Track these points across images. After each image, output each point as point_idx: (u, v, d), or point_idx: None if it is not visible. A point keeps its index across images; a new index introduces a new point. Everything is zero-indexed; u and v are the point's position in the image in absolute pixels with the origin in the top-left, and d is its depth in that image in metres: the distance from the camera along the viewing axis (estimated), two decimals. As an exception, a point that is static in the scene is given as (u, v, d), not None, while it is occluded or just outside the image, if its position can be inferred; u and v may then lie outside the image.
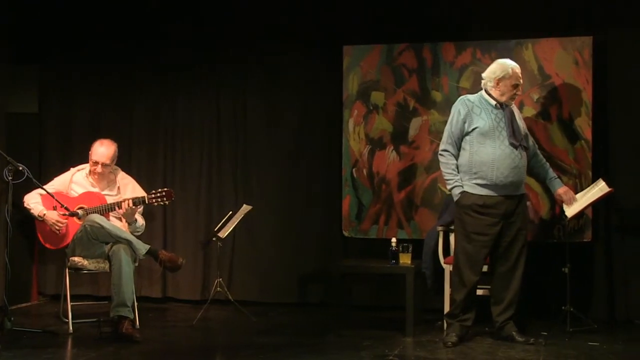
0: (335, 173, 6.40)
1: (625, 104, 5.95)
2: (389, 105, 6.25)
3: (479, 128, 5.05)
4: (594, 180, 5.84)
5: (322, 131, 6.51)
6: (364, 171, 6.29)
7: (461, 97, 5.28)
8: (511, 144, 5.02)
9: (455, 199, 5.14)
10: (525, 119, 5.90)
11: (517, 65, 5.17)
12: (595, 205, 5.66)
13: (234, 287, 6.47)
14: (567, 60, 5.93)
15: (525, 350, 4.89)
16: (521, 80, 5.15)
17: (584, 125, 5.90)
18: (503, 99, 5.10)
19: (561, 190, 5.35)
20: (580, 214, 5.61)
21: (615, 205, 5.92)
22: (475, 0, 6.19)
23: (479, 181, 5.06)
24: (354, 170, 6.31)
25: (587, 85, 5.90)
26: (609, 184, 5.51)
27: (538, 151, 5.40)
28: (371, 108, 6.29)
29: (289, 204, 6.56)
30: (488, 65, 5.46)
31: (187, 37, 6.74)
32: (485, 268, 5.25)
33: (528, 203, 5.82)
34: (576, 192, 5.76)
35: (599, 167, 5.93)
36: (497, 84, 5.11)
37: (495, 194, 5.05)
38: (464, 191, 5.09)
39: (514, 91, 5.11)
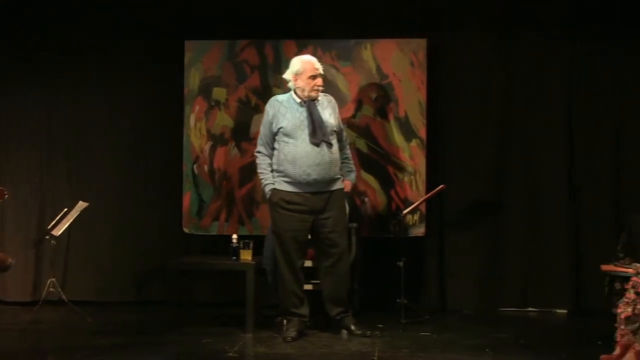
0: (175, 169, 6.31)
1: (456, 103, 6.25)
2: (231, 102, 6.23)
3: (283, 128, 5.11)
4: (427, 177, 6.09)
5: (163, 126, 6.40)
6: (205, 167, 6.24)
7: (272, 98, 5.34)
8: (312, 143, 5.07)
9: (267, 197, 5.21)
10: (364, 118, 6.08)
11: (312, 58, 5.22)
12: (428, 201, 5.91)
13: (69, 286, 6.25)
14: (403, 61, 6.14)
15: (361, 342, 5.02)
16: (319, 71, 5.15)
17: (418, 124, 6.13)
18: (305, 94, 5.14)
19: (347, 185, 5.34)
20: (415, 210, 5.84)
21: (447, 201, 6.20)
22: (317, -1, 6.32)
23: (285, 179, 5.12)
24: (195, 166, 6.25)
25: (421, 86, 6.14)
26: (441, 181, 5.79)
27: (347, 148, 5.39)
28: (213, 104, 6.25)
29: (128, 201, 6.41)
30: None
31: (24, 27, 6.42)
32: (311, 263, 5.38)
33: (366, 199, 5.98)
34: (411, 188, 6.02)
35: (432, 164, 6.18)
36: (296, 80, 5.16)
37: (301, 191, 5.11)
38: (274, 189, 5.15)
39: (314, 83, 5.13)
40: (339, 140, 5.26)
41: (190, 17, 6.36)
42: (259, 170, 5.26)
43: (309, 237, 5.23)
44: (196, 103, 6.25)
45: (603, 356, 4.42)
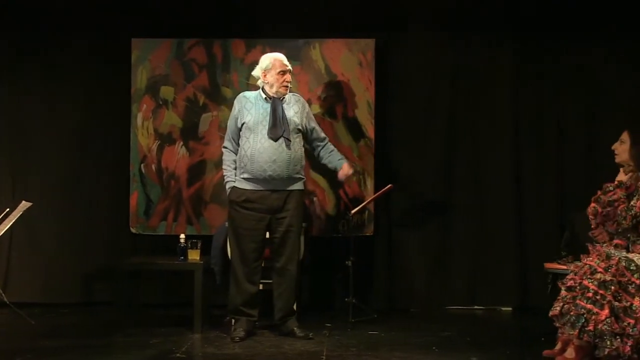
0: (123, 168, 6.24)
1: (403, 103, 6.30)
2: (179, 101, 6.18)
3: (246, 123, 5.13)
4: (375, 177, 6.13)
5: (109, 125, 6.32)
6: (153, 167, 6.18)
7: (240, 94, 5.34)
8: (270, 138, 5.08)
9: (227, 194, 5.21)
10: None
11: (281, 55, 5.24)
12: (377, 200, 5.95)
13: (11, 288, 6.14)
14: (352, 61, 6.17)
15: (310, 342, 5.02)
16: (288, 67, 5.18)
17: (367, 123, 6.17)
18: (274, 90, 5.17)
19: (344, 167, 5.28)
20: (363, 209, 5.87)
21: (395, 201, 6.25)
22: (265, -1, 6.31)
23: (244, 175, 5.13)
24: (142, 165, 6.18)
25: (370, 86, 6.17)
26: (389, 181, 5.83)
27: (328, 143, 5.38)
28: (160, 103, 6.19)
29: (73, 201, 6.30)
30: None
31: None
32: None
33: (315, 199, 5.99)
34: (359, 187, 6.06)
35: (381, 164, 6.22)
36: (265, 76, 5.19)
37: (260, 188, 5.11)
38: (234, 186, 5.16)
39: (283, 79, 5.16)
40: (314, 139, 5.29)
41: (137, 15, 6.28)
42: (223, 166, 5.27)
43: (267, 236, 5.22)
44: (143, 102, 6.19)
45: (545, 351, 4.51)
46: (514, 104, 6.27)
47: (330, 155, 5.35)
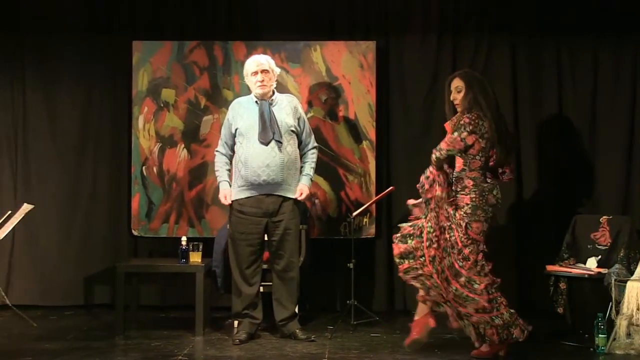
0: (124, 171, 6.25)
1: (404, 106, 6.29)
2: (180, 103, 6.19)
3: (239, 128, 5.15)
4: (377, 179, 6.13)
5: (110, 128, 6.32)
6: (154, 169, 6.18)
7: (234, 100, 5.38)
8: (260, 142, 5.08)
9: (220, 192, 5.22)
10: (314, 119, 6.08)
11: (257, 56, 5.24)
12: (378, 202, 5.94)
13: (13, 291, 6.15)
14: (353, 63, 6.17)
15: (312, 344, 5.03)
16: (261, 67, 5.14)
17: (368, 126, 6.17)
18: (254, 92, 5.19)
19: (298, 188, 5.21)
20: (364, 211, 5.87)
21: (396, 202, 6.24)
22: (265, 1, 6.28)
23: (239, 181, 5.15)
24: (143, 168, 6.18)
25: (371, 88, 6.17)
26: (391, 183, 5.83)
27: (312, 148, 5.34)
28: (162, 105, 6.19)
29: (74, 203, 6.30)
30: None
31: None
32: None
33: (316, 201, 5.99)
34: (361, 189, 6.06)
35: (381, 166, 6.22)
36: (247, 81, 5.25)
37: (255, 193, 5.12)
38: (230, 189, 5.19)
39: (255, 79, 5.15)
40: (300, 142, 5.27)
41: (138, 17, 6.28)
42: (215, 168, 5.30)
43: (265, 239, 5.22)
44: (145, 104, 6.19)
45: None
46: (515, 103, 6.25)
47: (303, 163, 5.29)
